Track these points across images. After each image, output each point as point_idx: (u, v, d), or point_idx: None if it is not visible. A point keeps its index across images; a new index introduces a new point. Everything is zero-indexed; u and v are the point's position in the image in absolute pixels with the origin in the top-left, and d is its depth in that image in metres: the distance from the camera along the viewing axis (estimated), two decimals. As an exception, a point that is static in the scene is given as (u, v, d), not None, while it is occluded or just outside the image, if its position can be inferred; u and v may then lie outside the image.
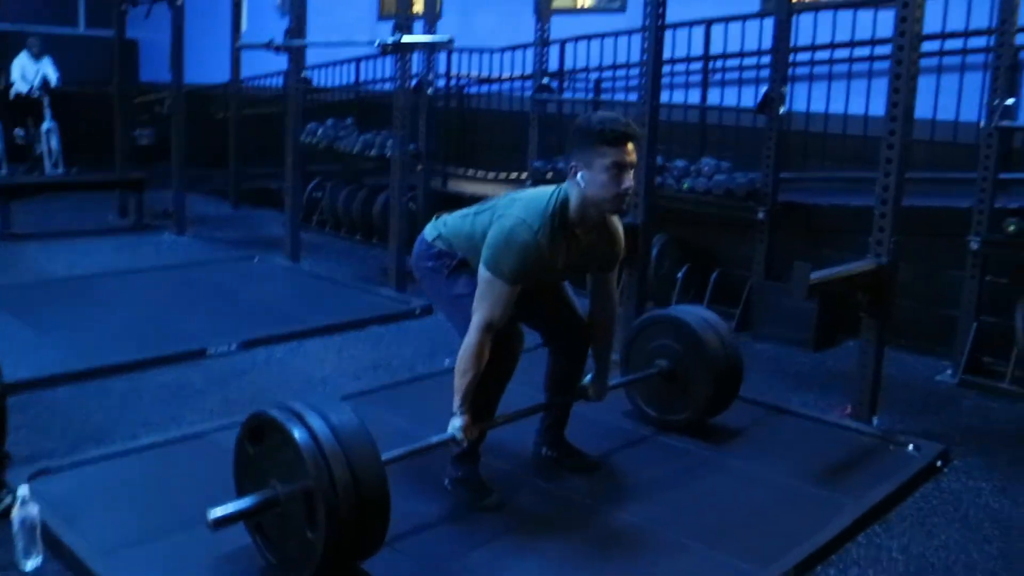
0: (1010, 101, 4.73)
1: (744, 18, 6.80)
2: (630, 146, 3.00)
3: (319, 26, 7.66)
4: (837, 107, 6.23)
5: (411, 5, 6.38)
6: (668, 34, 6.83)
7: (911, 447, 3.97)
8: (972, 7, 5.66)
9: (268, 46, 6.82)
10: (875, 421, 4.21)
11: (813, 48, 6.32)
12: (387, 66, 9.32)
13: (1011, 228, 4.71)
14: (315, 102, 9.26)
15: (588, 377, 3.59)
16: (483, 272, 3.08)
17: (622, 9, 8.29)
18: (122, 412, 4.20)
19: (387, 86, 9.40)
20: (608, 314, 3.47)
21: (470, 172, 8.44)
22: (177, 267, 7.11)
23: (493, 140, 8.73)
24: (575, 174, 3.04)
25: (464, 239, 3.30)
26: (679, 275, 6.16)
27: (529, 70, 8.19)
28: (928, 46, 5.72)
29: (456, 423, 3.13)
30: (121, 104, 8.93)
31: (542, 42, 6.82)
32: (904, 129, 3.94)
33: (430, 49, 6.83)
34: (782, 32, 5.53)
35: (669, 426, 4.03)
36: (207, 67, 10.69)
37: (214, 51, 10.29)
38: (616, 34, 7.73)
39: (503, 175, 8.23)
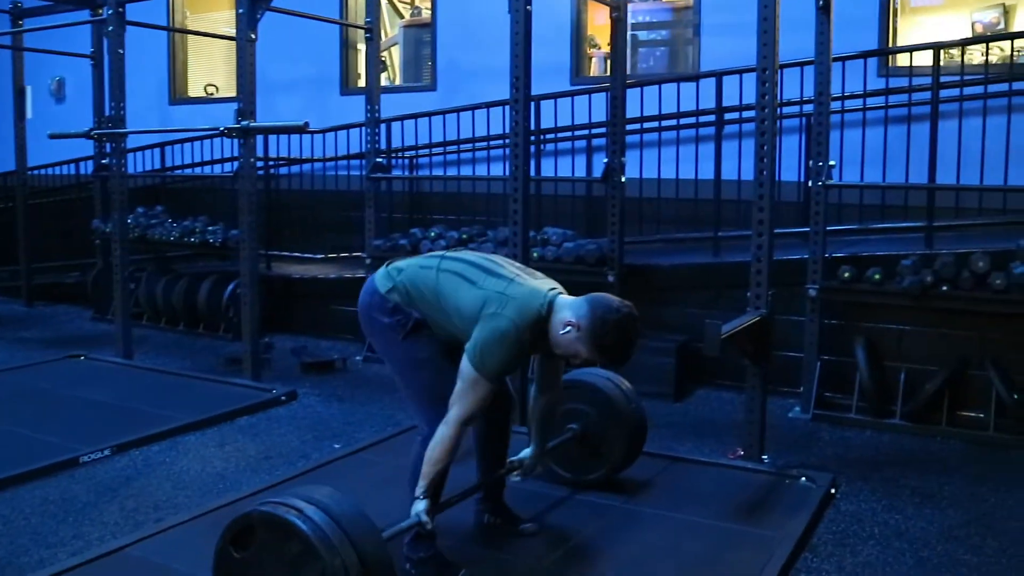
0: (832, 163, 5.36)
1: (568, 95, 7.25)
2: (607, 361, 3.28)
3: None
4: (668, 172, 6.78)
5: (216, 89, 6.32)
6: (498, 111, 7.24)
7: (803, 479, 4.35)
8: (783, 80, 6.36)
9: (88, 135, 6.48)
10: (765, 459, 4.59)
11: (642, 119, 6.83)
12: (195, 152, 9.13)
13: (846, 275, 5.30)
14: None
15: (526, 451, 3.71)
16: (468, 369, 3.10)
17: (432, 88, 8.54)
18: (13, 536, 3.83)
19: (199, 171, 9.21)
20: (555, 392, 3.64)
21: (296, 255, 8.36)
22: (-7, 374, 6.53)
23: (312, 221, 8.68)
24: (563, 325, 3.13)
25: (426, 294, 3.28)
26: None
27: (343, 151, 8.33)
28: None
29: (419, 507, 3.14)
30: None
31: (373, 122, 6.94)
32: (771, 192, 4.39)
33: (281, 133, 6.76)
34: (618, 106, 5.94)
35: (584, 485, 4.18)
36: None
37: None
38: (430, 114, 7.97)
39: (333, 255, 8.22)
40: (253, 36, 5.76)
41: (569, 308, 3.16)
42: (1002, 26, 7.42)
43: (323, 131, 8.09)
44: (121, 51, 6.37)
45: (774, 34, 4.21)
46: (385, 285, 3.37)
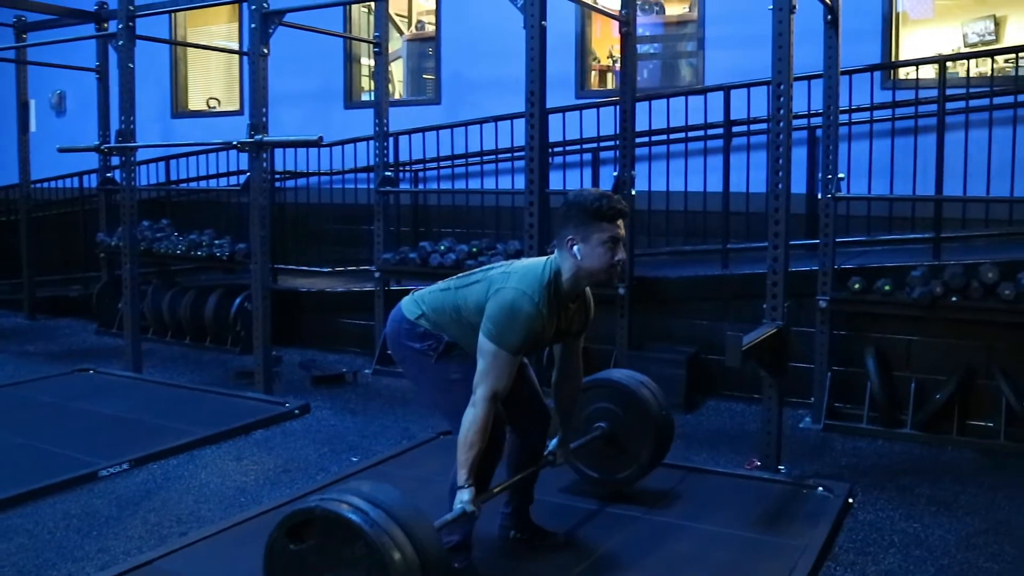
0: (841, 175, 5.43)
1: (577, 108, 7.31)
2: (621, 221, 3.22)
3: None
4: (677, 185, 6.84)
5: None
6: (504, 124, 7.30)
7: (820, 489, 4.40)
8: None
9: (99, 149, 6.49)
10: (782, 469, 4.64)
11: (650, 132, 6.89)
12: (199, 165, 9.15)
13: (856, 286, 5.36)
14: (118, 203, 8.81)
15: (553, 442, 3.74)
16: (486, 344, 3.14)
17: (436, 101, 8.59)
18: (39, 551, 3.84)
19: (204, 184, 9.23)
20: (577, 378, 3.67)
21: (303, 268, 8.38)
22: (2, 388, 6.51)
23: (316, 234, 8.70)
24: (571, 247, 3.19)
25: (449, 313, 3.34)
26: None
27: (347, 164, 8.37)
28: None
29: (464, 496, 3.15)
30: None
31: (382, 135, 6.98)
32: (786, 205, 4.45)
33: (294, 147, 6.79)
34: (627, 119, 5.99)
35: (613, 485, 4.23)
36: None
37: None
38: (437, 127, 8.01)
39: (340, 268, 8.24)
40: (265, 51, 5.79)
41: (560, 246, 3.23)
42: (993, 36, 7.62)
43: (332, 144, 8.10)
44: (131, 65, 6.42)
45: (789, 49, 4.27)
46: (413, 312, 3.43)
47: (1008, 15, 7.54)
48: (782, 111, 4.37)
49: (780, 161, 4.41)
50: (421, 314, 3.41)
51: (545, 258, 3.32)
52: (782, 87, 4.28)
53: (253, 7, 5.68)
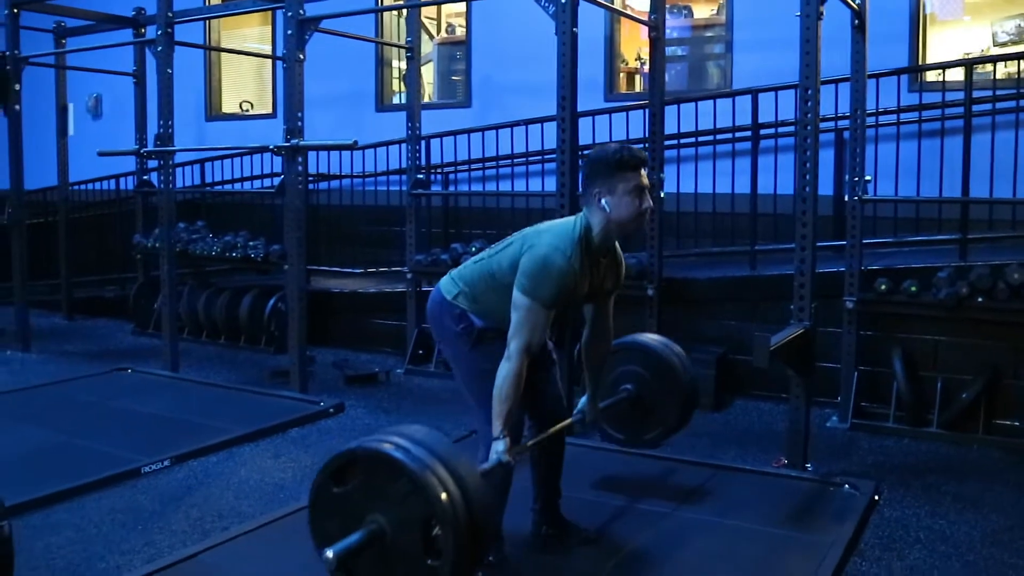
0: (868, 177, 5.49)
1: (606, 112, 7.39)
2: (643, 171, 3.34)
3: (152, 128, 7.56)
4: (705, 187, 6.91)
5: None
6: (535, 128, 7.38)
7: (846, 486, 4.47)
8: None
9: (138, 153, 6.65)
10: (809, 467, 4.71)
11: (679, 135, 6.97)
12: (235, 168, 9.31)
13: (883, 287, 5.42)
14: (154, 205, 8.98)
15: (582, 400, 3.84)
16: (520, 299, 3.23)
17: (467, 104, 8.70)
18: (87, 544, 3.97)
19: (237, 186, 9.38)
20: (607, 340, 3.74)
21: (335, 269, 8.51)
22: (45, 387, 6.66)
23: (347, 235, 8.84)
24: (598, 200, 3.29)
25: (485, 280, 3.42)
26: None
27: (380, 167, 8.49)
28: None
29: (500, 447, 3.24)
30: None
31: (415, 139, 7.10)
32: (814, 207, 4.52)
33: (330, 150, 6.92)
34: (656, 122, 6.08)
35: (638, 446, 4.36)
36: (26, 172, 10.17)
37: (34, 156, 9.82)
38: (469, 131, 8.11)
39: (371, 270, 8.36)
40: (301, 56, 5.93)
41: (588, 202, 3.33)
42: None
43: (364, 147, 8.22)
44: (170, 71, 6.57)
45: (816, 55, 4.34)
46: (451, 291, 3.52)
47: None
48: (809, 115, 4.44)
49: (808, 165, 4.48)
50: (458, 292, 3.49)
51: (574, 216, 3.41)
52: (810, 91, 4.35)
53: (290, 14, 5.81)
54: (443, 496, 2.59)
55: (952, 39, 7.50)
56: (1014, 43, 8.11)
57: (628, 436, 4.36)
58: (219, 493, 4.60)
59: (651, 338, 4.37)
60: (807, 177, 4.49)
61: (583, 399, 3.86)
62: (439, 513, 2.59)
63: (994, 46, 7.57)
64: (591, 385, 3.83)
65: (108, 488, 4.60)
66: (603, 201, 3.29)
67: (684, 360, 4.26)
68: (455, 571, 2.61)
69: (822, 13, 4.31)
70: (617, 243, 3.53)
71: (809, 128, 4.45)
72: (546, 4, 4.86)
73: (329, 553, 2.58)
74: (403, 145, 7.35)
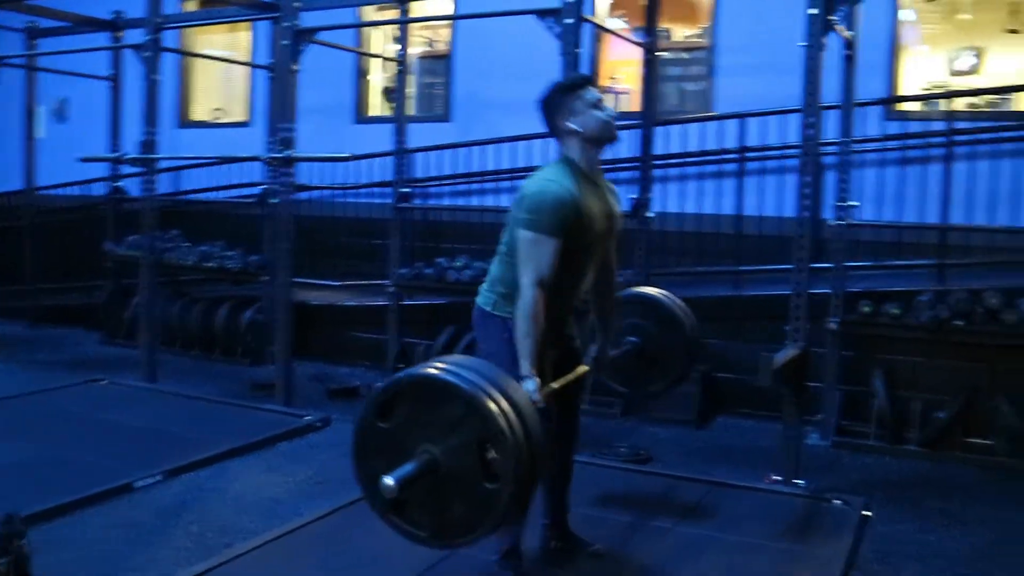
0: (855, 203, 5.65)
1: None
2: (592, 87, 3.43)
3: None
4: (690, 207, 7.04)
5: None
6: (516, 144, 7.45)
7: (837, 502, 4.59)
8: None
9: (121, 160, 6.58)
10: (801, 483, 4.83)
11: (667, 156, 7.08)
12: (210, 176, 9.22)
13: (865, 309, 5.58)
14: (127, 212, 8.83)
15: (592, 348, 3.82)
16: (524, 234, 3.22)
17: (446, 119, 8.72)
18: (94, 561, 3.91)
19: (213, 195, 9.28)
20: (612, 281, 3.75)
21: (313, 281, 8.45)
22: (18, 398, 6.48)
23: (325, 247, 8.78)
24: (567, 126, 3.34)
25: (508, 267, 3.38)
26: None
27: (361, 179, 8.48)
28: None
29: (530, 386, 3.14)
30: None
31: (401, 152, 7.11)
32: (811, 231, 4.65)
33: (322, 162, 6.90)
34: (647, 144, 6.19)
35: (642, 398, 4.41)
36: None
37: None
38: (455, 145, 8.13)
39: (350, 282, 8.32)
40: (295, 67, 5.92)
41: (560, 135, 3.39)
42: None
43: (352, 158, 8.18)
44: (155, 77, 6.49)
45: (817, 84, 4.48)
46: (488, 301, 3.49)
47: (987, 47, 8.25)
48: (810, 143, 4.57)
49: (807, 190, 4.61)
50: (495, 299, 3.45)
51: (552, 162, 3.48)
52: (812, 119, 4.49)
53: (286, 25, 5.81)
54: (499, 414, 2.54)
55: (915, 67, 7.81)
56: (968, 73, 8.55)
57: (633, 389, 4.36)
58: (217, 508, 4.57)
59: (657, 291, 4.36)
60: (806, 201, 4.61)
61: (592, 347, 3.82)
62: (496, 433, 2.54)
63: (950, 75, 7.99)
64: (601, 334, 3.83)
65: (103, 503, 4.53)
66: (571, 124, 3.34)
67: (686, 310, 4.27)
68: (517, 490, 2.58)
69: (824, 45, 4.45)
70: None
71: (810, 154, 4.57)
72: (551, 24, 4.94)
73: (389, 480, 2.51)
74: (383, 158, 7.35)
